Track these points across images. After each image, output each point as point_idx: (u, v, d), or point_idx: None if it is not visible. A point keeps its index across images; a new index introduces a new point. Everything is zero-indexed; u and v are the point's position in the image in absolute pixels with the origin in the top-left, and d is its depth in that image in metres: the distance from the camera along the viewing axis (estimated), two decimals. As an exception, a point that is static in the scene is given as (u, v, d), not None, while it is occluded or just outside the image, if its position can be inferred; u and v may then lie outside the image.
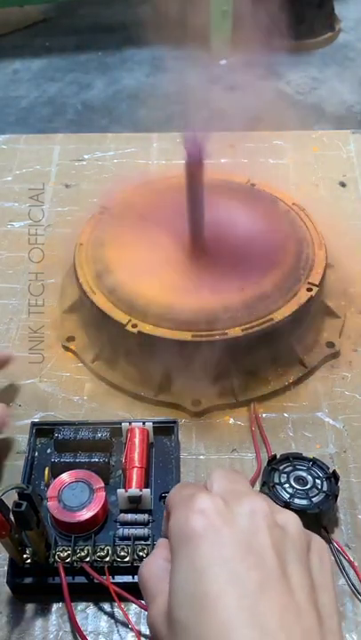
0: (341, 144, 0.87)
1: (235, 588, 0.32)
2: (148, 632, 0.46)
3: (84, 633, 0.46)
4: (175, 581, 0.34)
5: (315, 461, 0.52)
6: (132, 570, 0.46)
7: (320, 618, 0.32)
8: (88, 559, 0.47)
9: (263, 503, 0.35)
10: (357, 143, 0.87)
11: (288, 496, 0.50)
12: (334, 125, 2.10)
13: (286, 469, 0.52)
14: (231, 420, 0.59)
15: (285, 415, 0.59)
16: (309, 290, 0.60)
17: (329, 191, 0.81)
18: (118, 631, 0.47)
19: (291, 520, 0.36)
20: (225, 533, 0.34)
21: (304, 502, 0.50)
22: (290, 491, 0.51)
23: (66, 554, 0.47)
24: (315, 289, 0.60)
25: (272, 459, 0.53)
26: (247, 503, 0.35)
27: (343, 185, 0.81)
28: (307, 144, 0.87)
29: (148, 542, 0.48)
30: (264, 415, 0.59)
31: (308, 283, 0.61)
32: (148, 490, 0.50)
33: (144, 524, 0.49)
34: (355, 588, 0.48)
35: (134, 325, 0.58)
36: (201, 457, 0.56)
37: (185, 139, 0.58)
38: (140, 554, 0.47)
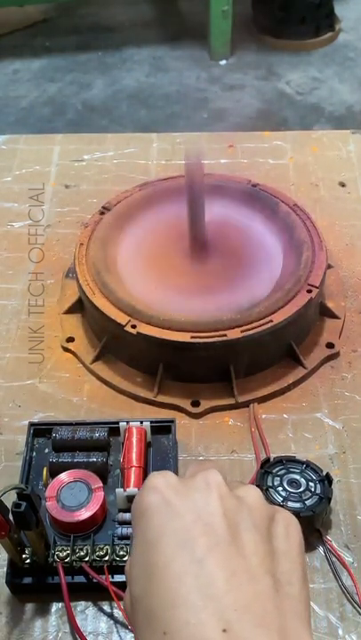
0: (341, 144, 0.87)
1: (182, 555, 0.32)
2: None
3: (84, 633, 0.46)
4: (132, 558, 0.34)
5: (308, 464, 0.52)
6: (132, 570, 0.46)
7: (277, 583, 0.32)
8: (87, 559, 0.47)
9: (217, 476, 0.35)
10: (357, 143, 0.87)
11: (281, 499, 0.50)
12: (334, 125, 2.11)
13: (280, 472, 0.52)
14: (231, 421, 0.59)
15: (285, 416, 0.59)
16: (309, 291, 0.60)
17: (329, 191, 0.81)
18: (118, 632, 0.47)
19: (250, 492, 0.36)
20: (176, 505, 0.34)
21: (297, 505, 0.50)
22: (283, 494, 0.51)
23: (65, 553, 0.47)
24: (315, 290, 0.60)
25: (265, 462, 0.53)
26: (201, 476, 0.35)
27: (343, 185, 0.81)
28: (306, 144, 0.87)
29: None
30: (264, 416, 0.59)
31: (308, 284, 0.61)
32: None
33: (143, 524, 0.49)
34: (346, 591, 0.48)
35: (134, 326, 0.58)
36: (200, 458, 0.56)
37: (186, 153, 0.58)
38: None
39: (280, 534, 0.34)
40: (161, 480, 0.35)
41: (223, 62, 2.42)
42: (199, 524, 0.33)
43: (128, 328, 0.58)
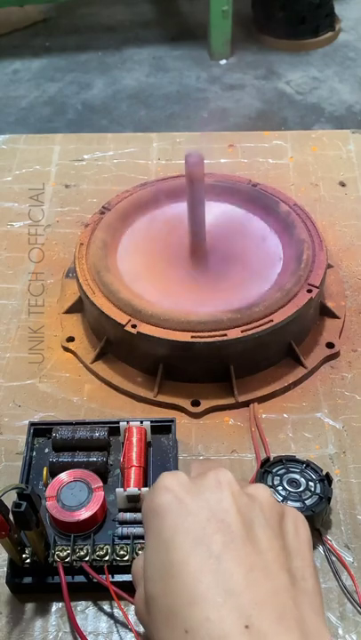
0: (341, 144, 0.87)
1: (199, 552, 0.32)
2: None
3: (84, 633, 0.46)
4: (146, 558, 0.34)
5: (308, 464, 0.52)
6: (132, 570, 0.46)
7: (292, 579, 0.32)
8: (87, 558, 0.47)
9: (228, 474, 0.35)
10: (357, 143, 0.87)
11: (281, 499, 0.50)
12: (334, 125, 2.11)
13: (280, 472, 0.52)
14: (231, 421, 0.59)
15: (285, 416, 0.59)
16: (309, 291, 0.60)
17: (329, 191, 0.81)
18: (118, 631, 0.47)
19: (260, 490, 0.36)
20: (189, 504, 0.34)
21: (297, 505, 0.50)
22: (283, 493, 0.51)
23: (65, 553, 0.47)
24: (315, 290, 0.60)
25: (265, 461, 0.53)
26: (212, 475, 0.35)
27: (343, 185, 0.81)
28: (306, 144, 0.87)
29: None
30: (264, 416, 0.59)
31: (308, 284, 0.61)
32: (147, 489, 0.50)
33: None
34: (346, 591, 0.48)
35: (134, 326, 0.58)
36: (200, 458, 0.56)
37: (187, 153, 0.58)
38: (140, 552, 0.47)
39: (290, 531, 0.35)
40: (172, 480, 0.35)
41: (223, 62, 2.42)
42: (213, 521, 0.33)
43: (128, 328, 0.58)
